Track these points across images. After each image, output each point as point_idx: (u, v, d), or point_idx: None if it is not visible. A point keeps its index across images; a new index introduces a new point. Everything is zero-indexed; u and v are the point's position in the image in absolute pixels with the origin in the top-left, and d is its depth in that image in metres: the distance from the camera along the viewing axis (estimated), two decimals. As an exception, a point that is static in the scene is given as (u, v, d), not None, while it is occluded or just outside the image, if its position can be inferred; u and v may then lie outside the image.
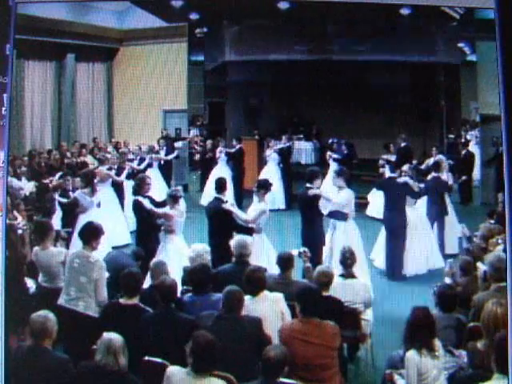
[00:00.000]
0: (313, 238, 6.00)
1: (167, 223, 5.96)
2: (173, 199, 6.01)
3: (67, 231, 6.21)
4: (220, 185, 6.14)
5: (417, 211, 6.75)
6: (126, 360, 3.66)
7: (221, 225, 5.88)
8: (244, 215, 5.97)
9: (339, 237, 6.12)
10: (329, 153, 8.48)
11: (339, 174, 6.37)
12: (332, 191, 6.37)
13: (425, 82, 8.62)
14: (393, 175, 6.75)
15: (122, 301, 4.35)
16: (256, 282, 4.37)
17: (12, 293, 4.66)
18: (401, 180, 6.68)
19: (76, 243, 5.58)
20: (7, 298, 4.57)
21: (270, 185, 6.22)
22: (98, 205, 6.73)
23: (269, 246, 5.93)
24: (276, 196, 8.04)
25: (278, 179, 8.42)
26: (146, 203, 6.11)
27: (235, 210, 5.96)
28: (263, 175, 8.18)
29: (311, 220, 6.10)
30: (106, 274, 4.75)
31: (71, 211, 6.57)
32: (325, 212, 6.15)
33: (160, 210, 6.05)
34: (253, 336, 3.97)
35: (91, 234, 4.84)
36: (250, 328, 4.01)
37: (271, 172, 8.45)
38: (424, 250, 6.59)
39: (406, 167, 6.84)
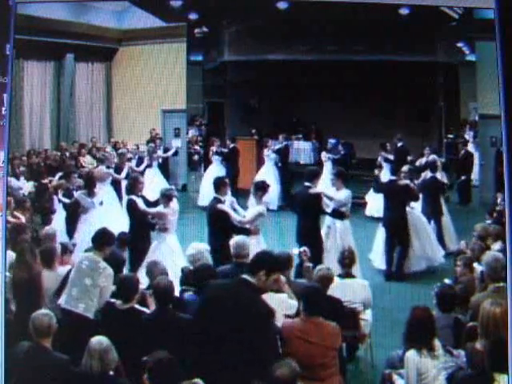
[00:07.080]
0: (311, 238, 6.00)
1: (161, 222, 5.97)
2: (167, 198, 6.01)
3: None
4: (218, 184, 6.11)
5: (415, 210, 6.75)
6: (114, 362, 3.65)
7: (218, 225, 5.88)
8: (239, 216, 5.96)
9: (336, 236, 6.13)
10: (323, 153, 8.49)
11: (338, 175, 6.37)
12: (329, 191, 6.38)
13: (424, 81, 8.62)
14: (393, 178, 6.71)
15: (117, 304, 4.31)
16: None
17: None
18: (402, 182, 6.62)
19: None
20: (7, 298, 4.56)
21: (268, 186, 6.21)
22: (101, 203, 6.72)
23: (265, 247, 5.91)
24: (273, 196, 8.01)
25: (276, 179, 8.39)
26: (140, 203, 6.12)
27: (231, 210, 5.95)
28: (260, 175, 8.17)
29: (310, 219, 6.10)
30: None
31: (74, 211, 6.57)
32: (328, 210, 6.15)
33: (153, 210, 6.06)
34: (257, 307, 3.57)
35: (105, 240, 4.74)
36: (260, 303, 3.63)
37: (269, 172, 8.43)
38: (423, 249, 6.60)
39: (405, 168, 6.81)
